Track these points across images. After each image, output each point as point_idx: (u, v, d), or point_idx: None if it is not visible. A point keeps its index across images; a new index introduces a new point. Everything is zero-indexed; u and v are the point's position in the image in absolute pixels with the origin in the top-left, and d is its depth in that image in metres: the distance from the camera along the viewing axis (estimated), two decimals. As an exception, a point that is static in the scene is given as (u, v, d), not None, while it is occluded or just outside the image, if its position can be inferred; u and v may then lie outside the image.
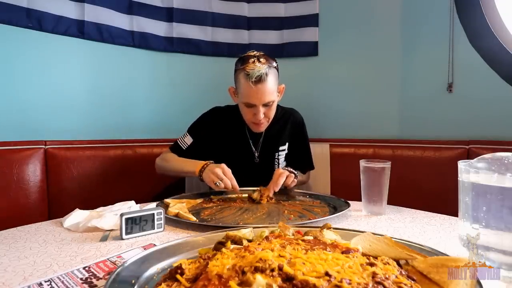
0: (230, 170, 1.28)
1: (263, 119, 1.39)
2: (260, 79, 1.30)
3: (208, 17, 2.11)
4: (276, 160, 1.53)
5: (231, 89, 1.46)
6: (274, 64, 1.39)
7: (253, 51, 1.39)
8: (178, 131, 1.61)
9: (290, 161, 1.56)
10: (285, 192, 1.35)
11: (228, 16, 2.15)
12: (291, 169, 1.37)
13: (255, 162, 1.52)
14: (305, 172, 1.60)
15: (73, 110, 1.75)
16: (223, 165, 1.28)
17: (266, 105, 1.37)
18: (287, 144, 1.56)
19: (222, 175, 1.24)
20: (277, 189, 1.28)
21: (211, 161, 1.33)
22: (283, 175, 1.30)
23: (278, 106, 1.57)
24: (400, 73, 1.94)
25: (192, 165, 1.35)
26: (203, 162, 1.32)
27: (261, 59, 1.34)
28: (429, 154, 1.65)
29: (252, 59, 1.33)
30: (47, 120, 1.67)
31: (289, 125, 1.56)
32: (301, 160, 1.57)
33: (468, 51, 1.70)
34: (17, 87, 1.59)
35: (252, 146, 1.51)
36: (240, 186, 1.32)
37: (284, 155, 1.55)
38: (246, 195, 1.30)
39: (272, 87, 1.34)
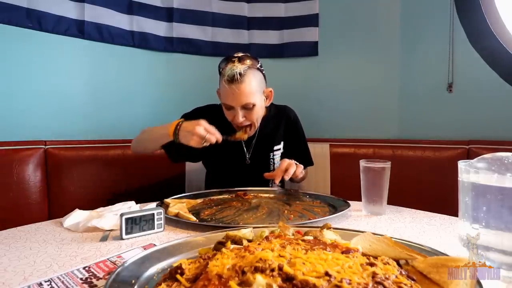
0: (208, 124, 1.19)
1: (244, 121, 1.32)
2: (233, 79, 1.24)
3: (208, 17, 2.11)
4: (271, 160, 1.49)
5: (218, 91, 1.40)
6: (258, 65, 1.32)
7: (239, 53, 1.33)
8: (178, 131, 1.60)
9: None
10: (285, 193, 1.35)
11: (228, 16, 2.15)
12: (295, 162, 1.36)
13: (246, 163, 1.47)
14: (305, 168, 1.58)
15: (73, 110, 1.75)
16: (202, 121, 1.18)
17: (246, 108, 1.30)
18: (282, 143, 1.52)
19: (205, 133, 1.15)
20: (287, 178, 1.27)
21: (182, 119, 1.24)
22: (293, 165, 1.28)
23: (271, 104, 1.53)
24: (400, 73, 1.94)
25: (163, 128, 1.25)
26: (175, 122, 1.22)
27: (242, 60, 1.28)
28: (429, 154, 1.65)
29: (234, 59, 1.28)
30: (47, 120, 1.67)
31: (283, 123, 1.52)
32: (299, 157, 1.54)
33: (468, 51, 1.70)
34: (17, 87, 1.59)
35: (244, 147, 1.47)
36: (230, 188, 1.34)
37: (279, 155, 1.51)
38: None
39: (250, 88, 1.27)
